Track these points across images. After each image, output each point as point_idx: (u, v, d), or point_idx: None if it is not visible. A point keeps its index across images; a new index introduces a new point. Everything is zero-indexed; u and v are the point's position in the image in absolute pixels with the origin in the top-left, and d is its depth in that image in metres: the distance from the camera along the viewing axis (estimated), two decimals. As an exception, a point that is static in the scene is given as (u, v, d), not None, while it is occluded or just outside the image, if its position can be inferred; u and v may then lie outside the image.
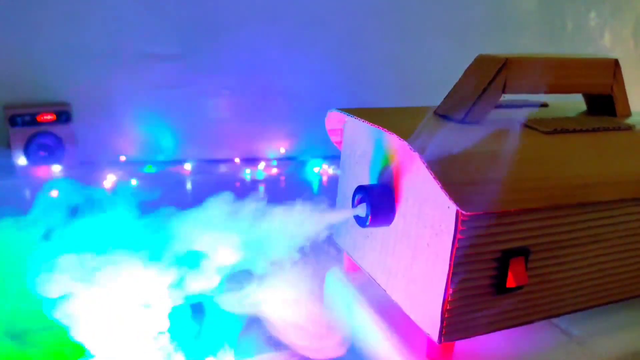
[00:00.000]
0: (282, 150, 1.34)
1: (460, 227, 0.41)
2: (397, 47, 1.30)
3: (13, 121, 1.15)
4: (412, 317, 0.48)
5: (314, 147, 1.33)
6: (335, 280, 0.62)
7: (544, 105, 0.63)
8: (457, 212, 0.41)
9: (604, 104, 0.59)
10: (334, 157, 1.29)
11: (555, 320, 0.52)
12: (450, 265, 0.42)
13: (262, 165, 1.28)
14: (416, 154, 0.41)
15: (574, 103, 0.64)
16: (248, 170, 1.25)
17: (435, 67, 1.26)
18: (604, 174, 0.47)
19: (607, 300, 0.52)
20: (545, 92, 0.54)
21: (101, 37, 1.18)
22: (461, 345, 0.48)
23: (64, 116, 1.18)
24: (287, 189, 1.18)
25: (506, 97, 0.58)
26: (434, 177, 0.40)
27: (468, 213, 0.40)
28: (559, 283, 0.48)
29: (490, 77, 0.50)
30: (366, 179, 0.54)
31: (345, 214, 0.54)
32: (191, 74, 1.24)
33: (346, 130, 0.60)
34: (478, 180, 0.41)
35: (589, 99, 0.61)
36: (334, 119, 0.60)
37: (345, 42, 1.28)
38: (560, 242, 0.47)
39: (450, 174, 0.41)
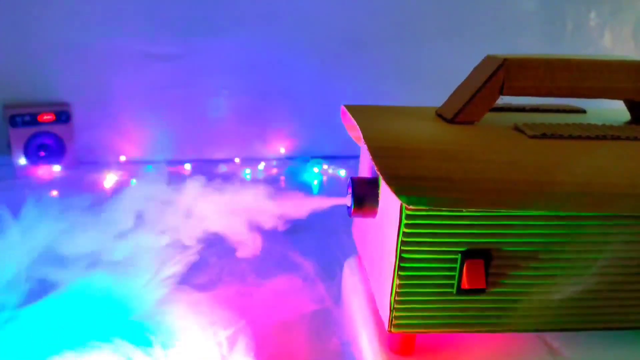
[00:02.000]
0: (282, 150, 1.34)
1: (405, 222, 0.41)
2: (397, 47, 1.30)
3: (13, 121, 1.15)
4: (378, 306, 0.49)
5: (314, 147, 1.33)
6: (349, 269, 0.65)
7: (581, 111, 0.59)
8: (401, 206, 0.41)
9: None
10: (334, 157, 1.29)
11: (548, 338, 0.49)
12: (395, 258, 0.43)
13: (262, 165, 1.28)
14: (364, 146, 0.42)
15: (620, 111, 0.58)
16: (248, 170, 1.25)
17: (435, 68, 1.26)
18: (583, 184, 0.42)
19: (601, 325, 0.47)
20: (553, 96, 0.51)
21: (101, 37, 1.18)
22: (431, 343, 0.48)
23: (64, 116, 1.18)
24: (287, 189, 1.17)
25: (534, 102, 0.57)
26: (377, 169, 0.40)
27: (413, 208, 0.40)
28: (538, 297, 0.45)
29: (486, 78, 0.50)
30: (366, 172, 0.56)
31: (336, 200, 0.56)
32: (191, 74, 1.24)
33: None
34: (431, 177, 0.41)
35: (629, 105, 0.55)
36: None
37: (345, 42, 1.28)
38: (536, 253, 0.44)
39: (399, 168, 0.40)
